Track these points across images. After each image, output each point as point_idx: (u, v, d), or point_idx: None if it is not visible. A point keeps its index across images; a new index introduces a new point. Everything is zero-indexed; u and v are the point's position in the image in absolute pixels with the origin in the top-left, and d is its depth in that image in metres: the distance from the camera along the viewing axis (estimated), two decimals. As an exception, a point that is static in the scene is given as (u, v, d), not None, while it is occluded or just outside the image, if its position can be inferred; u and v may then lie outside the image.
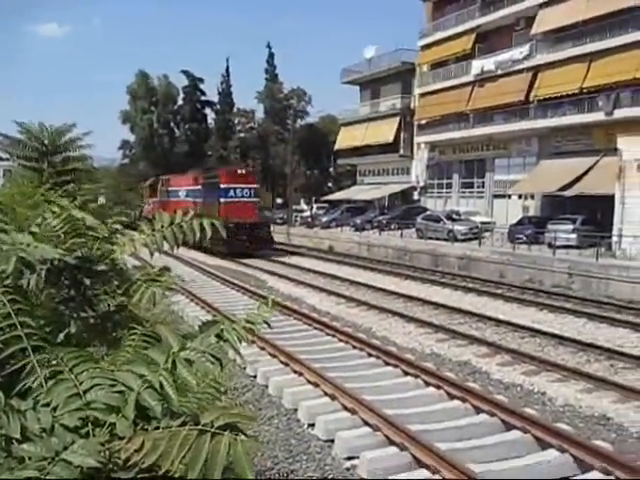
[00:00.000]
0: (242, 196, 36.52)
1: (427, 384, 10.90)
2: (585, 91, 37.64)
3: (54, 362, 2.31)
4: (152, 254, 3.26)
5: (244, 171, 39.08)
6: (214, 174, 39.16)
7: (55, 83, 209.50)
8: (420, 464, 7.63)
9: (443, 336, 15.54)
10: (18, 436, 1.95)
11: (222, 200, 36.12)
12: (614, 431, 9.30)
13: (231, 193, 36.26)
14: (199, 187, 40.48)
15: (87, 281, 3.14)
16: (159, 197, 49.47)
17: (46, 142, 4.26)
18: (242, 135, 79.98)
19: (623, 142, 31.05)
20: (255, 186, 38.18)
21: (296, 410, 9.83)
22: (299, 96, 78.04)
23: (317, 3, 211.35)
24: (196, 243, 28.20)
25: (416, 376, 11.27)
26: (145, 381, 2.17)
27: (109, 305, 3.30)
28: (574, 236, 31.05)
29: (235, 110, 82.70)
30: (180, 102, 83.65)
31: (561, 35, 39.90)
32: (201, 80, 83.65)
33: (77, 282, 3.15)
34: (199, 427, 1.98)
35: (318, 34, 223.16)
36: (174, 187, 46.95)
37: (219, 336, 2.48)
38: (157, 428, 2.05)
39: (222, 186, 36.52)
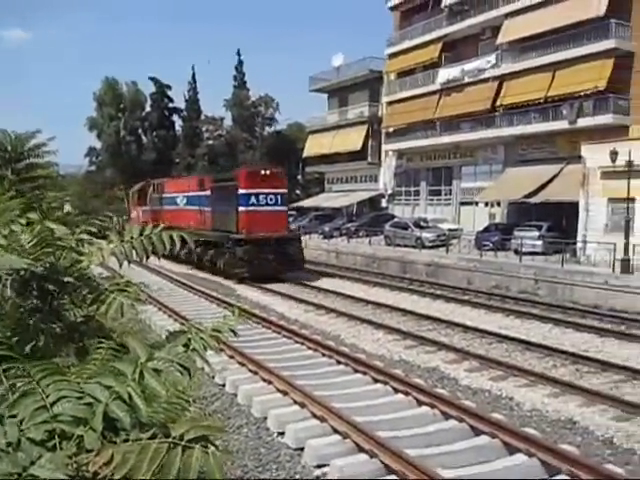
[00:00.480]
0: (267, 203, 29.01)
1: (396, 391, 10.92)
2: (550, 100, 38.16)
3: (20, 374, 2.28)
4: (121, 264, 3.24)
5: (269, 172, 30.23)
6: (229, 176, 31.92)
7: (20, 88, 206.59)
8: (390, 471, 7.65)
9: (412, 343, 15.60)
10: (-16, 451, 1.92)
11: (242, 209, 28.57)
12: (580, 435, 9.41)
13: (253, 200, 28.59)
14: (207, 193, 32.94)
15: (54, 291, 3.11)
16: (150, 205, 43.11)
17: (9, 148, 4.20)
18: (210, 142, 79.65)
19: (586, 150, 31.53)
20: (284, 191, 30.51)
21: (265, 419, 9.79)
22: (267, 103, 77.99)
23: (286, 12, 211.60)
24: (201, 262, 29.64)
25: (385, 383, 11.30)
26: (113, 392, 2.14)
27: (76, 315, 3.26)
28: (540, 243, 31.42)
29: (203, 117, 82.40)
30: (148, 109, 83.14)
31: (526, 45, 40.43)
32: (169, 87, 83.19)
33: (44, 292, 3.11)
34: (170, 440, 1.97)
35: (287, 43, 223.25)
36: (170, 193, 39.82)
37: (187, 345, 2.47)
38: (126, 440, 2.03)
39: (241, 191, 28.75)
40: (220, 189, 31.45)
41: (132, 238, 3.17)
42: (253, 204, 28.53)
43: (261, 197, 28.86)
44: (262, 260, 26.97)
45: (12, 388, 2.24)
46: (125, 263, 3.28)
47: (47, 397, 2.16)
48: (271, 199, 29.14)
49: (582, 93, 36.14)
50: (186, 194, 36.55)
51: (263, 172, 29.84)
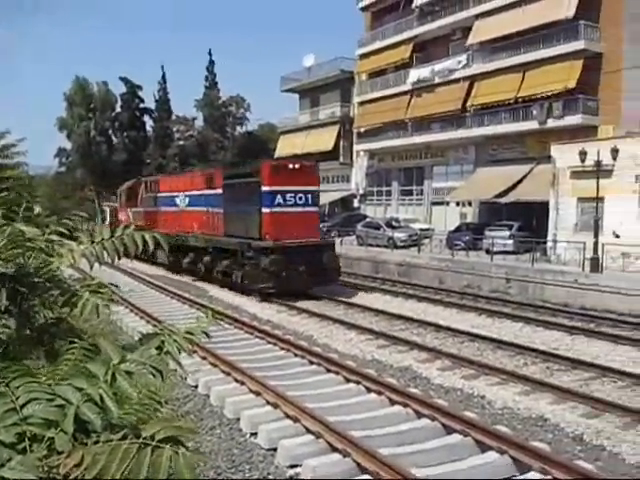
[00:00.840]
0: (296, 203, 24.13)
1: (369, 390, 10.96)
2: (520, 100, 38.54)
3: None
4: (92, 266, 3.21)
5: (298, 165, 25.31)
6: (247, 171, 26.57)
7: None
8: (363, 470, 7.67)
9: (384, 342, 15.66)
10: (-47, 454, 1.90)
11: (266, 211, 23.73)
12: (551, 432, 9.51)
13: (279, 199, 23.74)
14: (217, 191, 27.47)
15: (24, 293, 3.08)
16: (142, 206, 38.23)
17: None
18: (181, 143, 79.25)
19: (556, 150, 31.90)
20: (315, 188, 25.61)
21: (238, 419, 9.77)
22: (238, 103, 77.78)
23: (257, 13, 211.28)
24: (209, 274, 25.96)
25: (358, 382, 11.33)
26: (84, 394, 2.13)
27: (46, 317, 3.24)
28: (510, 242, 31.73)
29: (174, 117, 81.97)
30: (118, 109, 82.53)
31: (497, 45, 40.79)
32: (139, 87, 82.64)
33: (14, 294, 3.08)
34: (140, 441, 1.96)
35: (258, 44, 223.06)
36: (167, 192, 33.98)
37: (160, 348, 2.47)
38: (97, 442, 2.01)
39: (265, 189, 23.80)
40: (235, 187, 26.14)
41: (103, 239, 3.15)
42: (279, 204, 23.69)
43: (289, 196, 23.98)
44: (291, 272, 22.52)
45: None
46: (97, 265, 3.26)
47: (17, 399, 2.14)
48: (300, 198, 24.27)
49: (552, 94, 36.54)
50: (189, 193, 30.95)
51: (291, 166, 25.01)
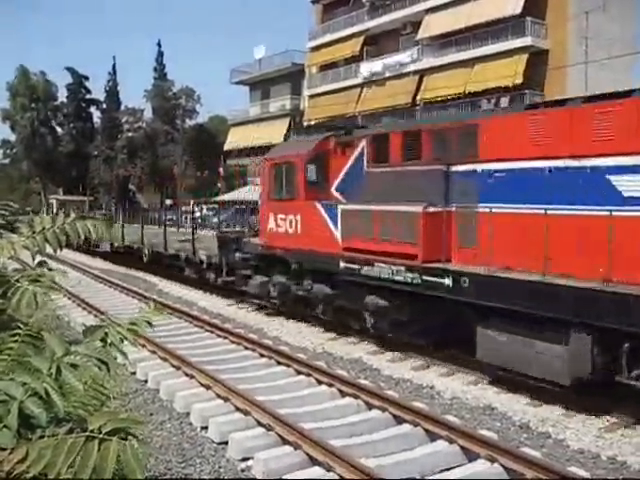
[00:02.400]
0: None
1: (319, 382, 10.98)
2: (469, 95, 39.01)
3: None
4: (34, 257, 3.14)
5: None
6: None
7: None
8: (314, 462, 7.68)
9: (334, 335, 15.70)
10: None
11: None
12: (499, 420, 9.67)
13: None
14: None
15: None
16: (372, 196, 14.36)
17: None
18: (130, 134, 78.25)
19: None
20: None
21: (188, 414, 9.70)
22: (188, 95, 77.13)
23: (211, 5, 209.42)
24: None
25: (308, 375, 11.34)
26: (28, 389, 2.08)
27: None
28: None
29: (123, 109, 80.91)
30: (64, 100, 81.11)
31: (446, 40, 41.24)
32: (86, 78, 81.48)
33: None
34: (86, 434, 1.93)
35: (209, 35, 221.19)
36: (514, 159, 11.10)
37: (104, 340, 2.43)
38: (42, 437, 1.97)
39: None
40: None
41: (44, 229, 3.07)
42: None
43: None
44: None
45: None
46: (39, 257, 3.18)
47: (-43, 395, 2.08)
48: None
49: (499, 88, 37.08)
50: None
51: None
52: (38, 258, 3.13)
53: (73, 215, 3.23)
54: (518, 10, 36.16)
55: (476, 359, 11.63)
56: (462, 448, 8.01)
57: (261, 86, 61.93)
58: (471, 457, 7.88)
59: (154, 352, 12.93)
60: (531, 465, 7.27)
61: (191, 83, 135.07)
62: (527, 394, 10.79)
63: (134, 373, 11.90)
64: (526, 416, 9.77)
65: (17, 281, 3.08)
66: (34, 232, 3.08)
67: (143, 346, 12.91)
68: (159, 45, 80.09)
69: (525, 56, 36.40)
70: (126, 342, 2.47)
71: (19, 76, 77.92)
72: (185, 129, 72.35)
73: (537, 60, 36.38)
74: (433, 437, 8.45)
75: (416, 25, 43.24)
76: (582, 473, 7.38)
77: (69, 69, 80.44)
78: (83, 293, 21.01)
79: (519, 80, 36.15)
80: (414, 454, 8.00)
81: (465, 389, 11.24)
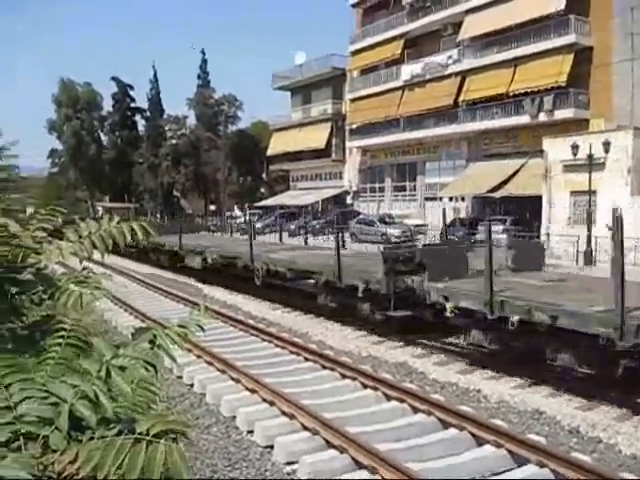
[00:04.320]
0: None
1: (365, 386, 10.95)
2: (512, 95, 38.62)
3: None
4: (81, 262, 3.18)
5: None
6: None
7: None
8: (359, 466, 7.66)
9: (380, 338, 15.64)
10: (-54, 453, 1.88)
11: None
12: (547, 425, 9.52)
13: None
14: None
15: (13, 290, 3.05)
16: None
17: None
18: (173, 142, 79.16)
19: (548, 144, 31.98)
20: None
21: (234, 417, 9.75)
22: (230, 102, 77.74)
23: (251, 12, 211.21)
24: None
25: (354, 379, 11.32)
26: (78, 391, 2.11)
27: (35, 315, 3.20)
28: (504, 236, 31.74)
29: (166, 116, 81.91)
30: (110, 109, 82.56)
31: (488, 40, 40.87)
32: (131, 87, 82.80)
33: (2, 292, 3.05)
34: (134, 436, 1.95)
35: (252, 42, 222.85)
36: None
37: (152, 342, 2.45)
38: (92, 439, 2.00)
39: None
40: None
41: (90, 234, 3.11)
42: None
43: None
44: None
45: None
46: (86, 262, 3.23)
47: (11, 397, 2.12)
48: None
49: (543, 88, 36.61)
50: None
51: None
52: (96, 266, 3.17)
53: (117, 218, 3.26)
54: (562, 6, 35.64)
55: (524, 362, 11.51)
56: (510, 453, 7.91)
57: (302, 91, 62.12)
58: (520, 462, 7.77)
59: (200, 356, 13.04)
60: (582, 471, 7.14)
61: (233, 89, 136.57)
62: (576, 397, 10.61)
63: (180, 377, 12.02)
64: (575, 420, 9.61)
65: (64, 283, 3.13)
66: (81, 237, 3.12)
67: (189, 350, 13.04)
68: (203, 53, 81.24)
69: (570, 55, 35.87)
70: (174, 345, 2.48)
71: (61, 88, 79.53)
72: (228, 135, 72.94)
73: (581, 58, 35.83)
74: (480, 441, 8.36)
75: (457, 26, 42.95)
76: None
77: (114, 79, 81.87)
78: (130, 298, 21.25)
79: (563, 79, 35.64)
80: (461, 459, 7.92)
81: (512, 392, 11.09)
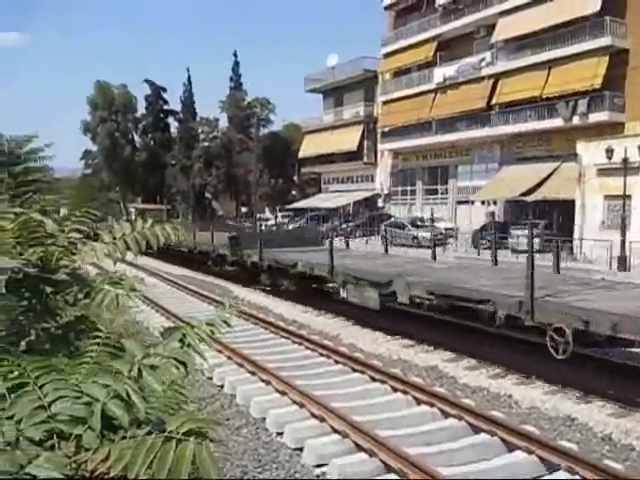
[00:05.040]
0: None
1: (395, 390, 10.92)
2: (545, 98, 38.26)
3: (17, 373, 2.27)
4: (115, 263, 3.22)
5: None
6: None
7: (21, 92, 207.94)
8: (389, 469, 7.64)
9: (410, 342, 15.58)
10: (-18, 450, 1.91)
11: None
12: (579, 431, 9.41)
13: None
14: None
15: (48, 290, 3.09)
16: None
17: (6, 152, 4.18)
18: (206, 144, 79.67)
19: (582, 148, 31.63)
20: None
21: (264, 419, 9.78)
22: (263, 105, 78.03)
23: (279, 16, 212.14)
24: None
25: (383, 382, 11.29)
26: (111, 391, 2.14)
27: (69, 315, 3.25)
28: (536, 240, 31.47)
29: (198, 119, 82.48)
30: (143, 111, 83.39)
31: (521, 43, 40.54)
32: (164, 89, 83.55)
33: (38, 292, 3.10)
34: (164, 434, 1.96)
35: (282, 45, 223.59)
36: None
37: (182, 341, 2.47)
38: (124, 438, 2.02)
39: None
40: None
41: (124, 235, 3.15)
42: None
43: None
44: None
45: (9, 388, 2.22)
46: (119, 264, 3.27)
47: (45, 396, 2.15)
48: None
49: (578, 90, 36.20)
50: None
51: None
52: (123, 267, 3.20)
53: (150, 221, 3.30)
54: (597, 8, 35.20)
55: (555, 367, 11.39)
56: (541, 459, 7.83)
57: (334, 93, 62.16)
58: (551, 468, 7.68)
59: (230, 358, 13.10)
60: (614, 479, 7.04)
61: (265, 92, 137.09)
62: (609, 404, 10.47)
63: (211, 378, 12.08)
64: (608, 427, 9.47)
65: (99, 284, 3.17)
66: (114, 238, 3.16)
67: (220, 352, 13.10)
68: (235, 55, 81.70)
69: (606, 57, 35.42)
70: (205, 346, 2.50)
71: (96, 90, 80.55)
72: (260, 138, 73.26)
73: (616, 60, 35.36)
74: (511, 447, 8.28)
75: (490, 28, 42.67)
76: (669, 487, 7.12)
77: (147, 81, 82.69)
78: (161, 299, 21.41)
79: (598, 82, 35.20)
80: (491, 464, 7.86)
81: (544, 398, 10.98)
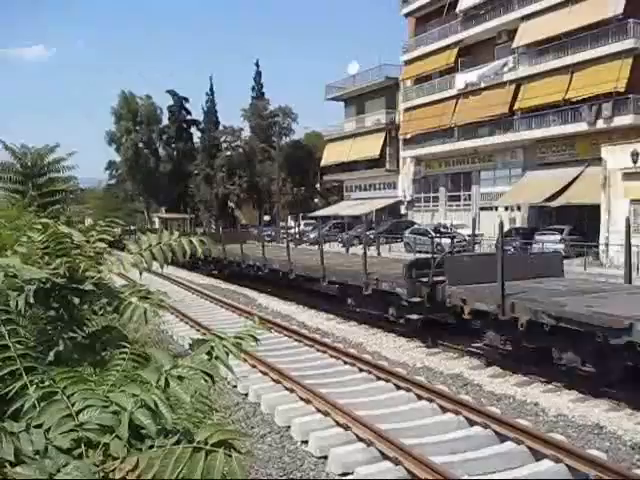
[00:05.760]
0: None
1: (419, 397, 10.87)
2: (568, 102, 37.99)
3: (46, 383, 2.29)
4: (141, 273, 3.25)
5: None
6: None
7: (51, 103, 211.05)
8: (415, 478, 7.59)
9: (434, 349, 15.51)
10: (12, 458, 1.93)
11: None
12: (607, 440, 9.29)
13: None
14: None
15: (76, 300, 3.12)
16: None
17: (29, 164, 4.23)
18: (228, 153, 79.97)
19: (607, 152, 31.33)
20: None
21: (289, 427, 9.77)
22: (286, 113, 78.19)
23: (301, 23, 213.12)
24: None
25: (408, 390, 11.24)
26: (138, 400, 2.15)
27: (96, 325, 3.28)
28: (561, 246, 31.21)
29: (221, 128, 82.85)
30: (165, 122, 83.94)
31: (543, 47, 40.31)
32: (186, 99, 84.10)
33: (65, 302, 3.13)
34: (193, 445, 1.97)
35: (303, 52, 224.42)
36: None
37: (210, 354, 2.48)
38: (151, 447, 2.03)
39: None
40: None
41: (150, 246, 3.17)
42: None
43: None
44: None
45: (38, 398, 2.25)
46: (144, 272, 3.29)
47: (73, 405, 2.17)
48: None
49: (601, 94, 35.91)
50: None
51: None
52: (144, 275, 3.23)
53: (176, 233, 3.33)
54: (620, 10, 34.92)
55: (583, 374, 11.28)
56: (569, 468, 7.75)
57: (356, 101, 62.20)
58: (578, 477, 7.60)
59: (254, 366, 13.12)
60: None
61: (287, 100, 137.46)
62: (638, 412, 10.34)
63: (235, 386, 12.10)
64: (637, 436, 9.35)
65: (128, 297, 3.20)
66: (141, 249, 3.19)
67: (244, 360, 13.13)
68: (257, 65, 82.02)
69: (629, 60, 35.11)
70: (231, 356, 2.52)
71: (121, 101, 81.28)
72: (282, 146, 73.31)
73: (641, 63, 35.06)
74: (538, 456, 8.20)
75: (511, 33, 42.49)
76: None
77: (170, 92, 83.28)
78: (185, 308, 21.50)
79: (622, 85, 34.86)
80: (518, 473, 7.80)
81: (571, 406, 10.87)
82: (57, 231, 3.12)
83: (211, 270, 33.93)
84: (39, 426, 2.11)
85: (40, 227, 3.19)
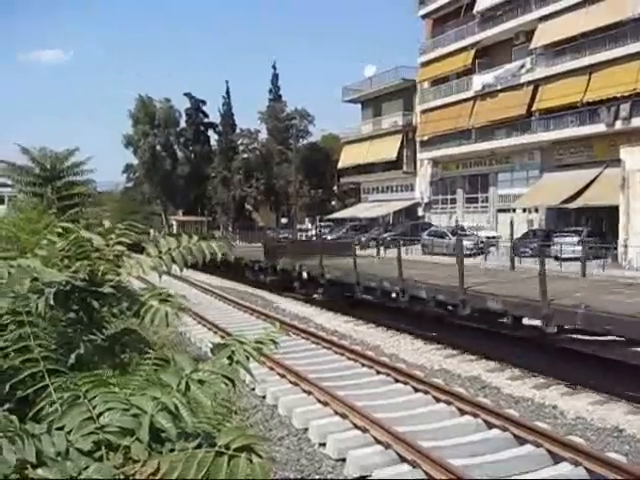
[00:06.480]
0: None
1: (437, 400, 10.83)
2: (586, 103, 37.77)
3: (68, 385, 2.31)
4: (160, 276, 3.26)
5: None
6: None
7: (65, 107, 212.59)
8: (433, 481, 7.57)
9: (452, 352, 15.46)
10: (33, 460, 1.94)
11: None
12: (627, 443, 9.22)
13: None
14: None
15: (95, 303, 3.14)
16: None
17: (49, 167, 4.27)
18: (245, 156, 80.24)
19: (625, 153, 31.10)
20: None
21: (307, 430, 9.77)
22: (302, 116, 78.33)
23: (317, 24, 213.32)
24: None
25: (426, 392, 11.21)
26: (159, 403, 2.16)
27: (116, 327, 3.30)
28: (579, 248, 30.97)
29: (238, 131, 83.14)
30: (183, 124, 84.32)
31: (561, 48, 40.09)
32: (203, 102, 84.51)
33: (85, 304, 3.15)
34: (216, 449, 1.98)
35: (320, 53, 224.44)
36: None
37: (230, 358, 2.49)
38: (172, 450, 2.04)
39: None
40: None
41: (170, 249, 3.18)
42: None
43: None
44: None
45: (60, 400, 2.27)
46: (164, 275, 3.30)
47: (94, 408, 2.18)
48: None
49: (620, 95, 35.67)
50: None
51: None
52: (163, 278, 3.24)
53: (195, 236, 3.34)
54: (638, 10, 34.69)
55: (603, 376, 11.19)
56: (588, 471, 7.69)
57: (373, 103, 62.21)
58: (599, 480, 7.55)
59: (272, 368, 13.13)
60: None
61: (304, 102, 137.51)
62: (658, 415, 10.25)
63: (253, 389, 12.12)
64: (659, 439, 9.27)
65: (148, 300, 3.21)
66: (160, 252, 3.20)
67: (263, 363, 13.13)
68: (274, 67, 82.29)
69: (647, 60, 34.90)
70: (251, 360, 2.53)
71: (138, 105, 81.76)
72: (298, 148, 73.49)
73: (660, 63, 34.79)
74: (557, 459, 8.14)
75: (529, 34, 42.31)
76: None
77: (187, 95, 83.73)
78: (203, 310, 21.56)
79: (641, 86, 34.65)
80: (537, 476, 7.75)
81: (590, 409, 10.78)
82: (79, 236, 3.14)
83: (308, 294, 24.85)
84: (60, 428, 2.13)
85: (61, 231, 3.22)
